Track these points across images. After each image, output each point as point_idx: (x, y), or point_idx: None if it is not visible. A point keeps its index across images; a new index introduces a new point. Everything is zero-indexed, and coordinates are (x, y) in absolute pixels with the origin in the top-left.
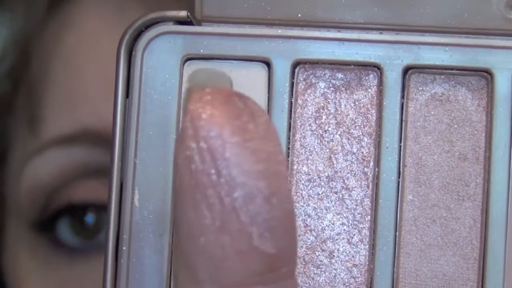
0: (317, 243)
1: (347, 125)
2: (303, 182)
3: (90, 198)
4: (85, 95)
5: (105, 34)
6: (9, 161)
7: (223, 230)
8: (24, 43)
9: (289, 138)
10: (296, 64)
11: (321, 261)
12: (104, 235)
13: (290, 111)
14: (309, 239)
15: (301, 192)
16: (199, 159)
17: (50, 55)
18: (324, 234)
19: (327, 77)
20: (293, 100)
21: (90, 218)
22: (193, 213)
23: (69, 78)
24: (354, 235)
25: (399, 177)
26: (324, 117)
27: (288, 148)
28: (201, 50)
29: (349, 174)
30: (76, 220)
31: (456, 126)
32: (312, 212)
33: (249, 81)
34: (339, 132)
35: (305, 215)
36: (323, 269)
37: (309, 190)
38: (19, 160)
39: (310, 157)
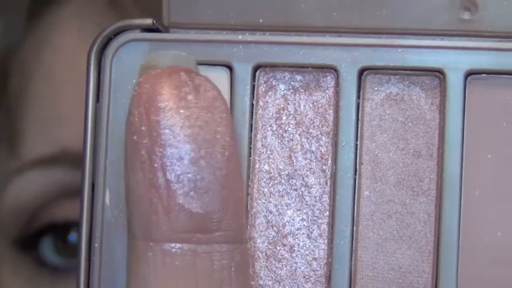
0: (278, 238)
1: (306, 125)
2: (264, 180)
3: (73, 217)
4: (65, 115)
5: (84, 52)
6: None
7: (151, 186)
8: (2, 59)
9: (250, 139)
10: (256, 68)
11: (282, 255)
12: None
13: (252, 112)
14: (270, 234)
15: (262, 189)
16: (138, 123)
17: (29, 72)
18: (285, 230)
19: (286, 79)
20: (254, 102)
21: (73, 237)
22: (131, 170)
23: (48, 97)
24: (313, 230)
25: (355, 174)
26: (284, 117)
27: (250, 148)
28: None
29: (308, 172)
30: (59, 239)
31: (410, 124)
32: (273, 208)
33: None
34: (298, 132)
35: (266, 212)
36: (284, 263)
37: (270, 188)
38: (0, 180)
39: (271, 156)
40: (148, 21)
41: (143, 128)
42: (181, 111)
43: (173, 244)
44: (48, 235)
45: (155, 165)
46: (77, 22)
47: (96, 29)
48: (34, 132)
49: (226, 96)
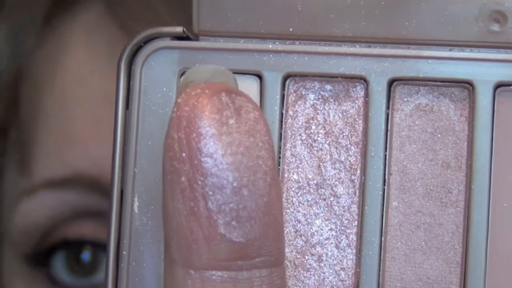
0: (307, 248)
1: (335, 135)
2: (293, 189)
3: (85, 236)
4: (77, 137)
5: (96, 74)
6: (2, 199)
7: (192, 215)
8: (13, 80)
9: (280, 148)
10: (286, 77)
11: (310, 264)
12: (104, 272)
13: (281, 121)
14: (299, 243)
15: (291, 199)
16: (177, 148)
17: (41, 94)
18: (313, 239)
19: (316, 88)
20: (284, 111)
21: (86, 255)
22: (170, 196)
23: (60, 119)
24: (341, 240)
25: (384, 185)
26: (313, 127)
27: (279, 157)
28: (197, 64)
29: (337, 182)
30: (71, 257)
31: (439, 135)
32: (302, 218)
33: None
34: (327, 142)
35: (295, 221)
36: (312, 273)
37: (299, 197)
38: (11, 199)
39: (300, 165)
40: (179, 29)
41: (184, 154)
42: (223, 137)
43: (213, 272)
44: (60, 253)
45: (196, 193)
46: (89, 41)
47: (107, 49)
48: (45, 153)
49: None
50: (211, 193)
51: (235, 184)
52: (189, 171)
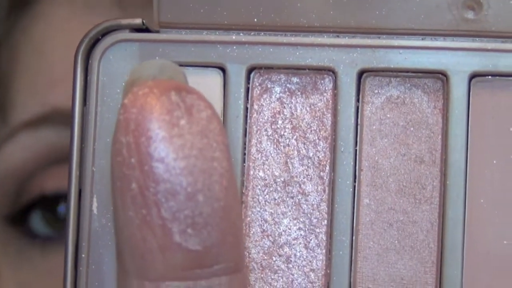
0: (274, 248)
1: (303, 130)
2: (259, 187)
3: (62, 188)
4: (53, 78)
5: (72, 21)
6: None
7: (145, 224)
8: None
9: (245, 144)
10: (251, 69)
11: (278, 266)
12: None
13: (246, 116)
14: (266, 244)
15: (257, 197)
16: (126, 153)
17: (18, 44)
18: (281, 239)
19: (282, 81)
20: (248, 106)
21: (62, 208)
22: (120, 204)
23: (37, 64)
24: (311, 239)
25: (355, 181)
26: (280, 121)
27: (244, 154)
28: (157, 57)
29: (305, 179)
30: (48, 211)
31: (412, 128)
32: (268, 217)
33: (205, 87)
34: (295, 137)
35: (261, 220)
36: (281, 274)
37: (265, 195)
38: None
39: (267, 162)
40: (138, 21)
41: (133, 160)
42: (174, 140)
43: (170, 283)
44: (37, 208)
45: (148, 201)
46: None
47: (84, 6)
48: (23, 97)
49: (219, 99)
50: (164, 200)
51: (189, 190)
52: (139, 177)
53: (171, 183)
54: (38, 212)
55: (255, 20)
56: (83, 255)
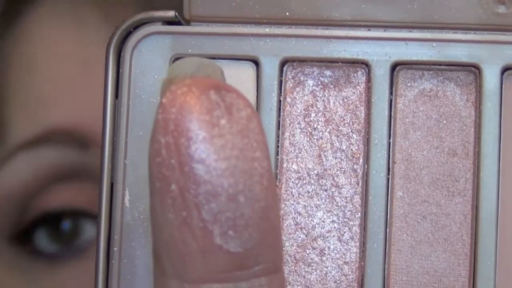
0: (308, 241)
1: (336, 123)
2: (292, 180)
3: (65, 204)
4: (48, 97)
5: (62, 37)
6: None
7: (185, 226)
8: None
9: (278, 137)
10: (284, 62)
11: (312, 259)
12: (86, 239)
13: (279, 109)
14: (299, 237)
15: (291, 190)
16: (165, 153)
17: (9, 62)
18: (315, 232)
19: (315, 74)
20: (281, 98)
21: (66, 224)
22: (159, 205)
23: (30, 82)
24: (344, 232)
25: (388, 174)
26: (313, 114)
27: (278, 147)
28: (190, 50)
29: (338, 172)
30: (52, 228)
31: (445, 121)
32: (302, 210)
33: (238, 80)
34: (328, 130)
35: (295, 213)
36: (314, 267)
37: (299, 188)
38: None
39: (300, 155)
40: (171, 14)
41: (173, 161)
42: (215, 140)
43: (210, 285)
44: (41, 226)
45: (189, 203)
46: (53, 11)
47: (73, 15)
48: (18, 117)
49: (252, 92)
50: (204, 202)
51: (230, 191)
52: (179, 179)
53: (212, 184)
54: (42, 230)
55: (287, 14)
56: (115, 249)
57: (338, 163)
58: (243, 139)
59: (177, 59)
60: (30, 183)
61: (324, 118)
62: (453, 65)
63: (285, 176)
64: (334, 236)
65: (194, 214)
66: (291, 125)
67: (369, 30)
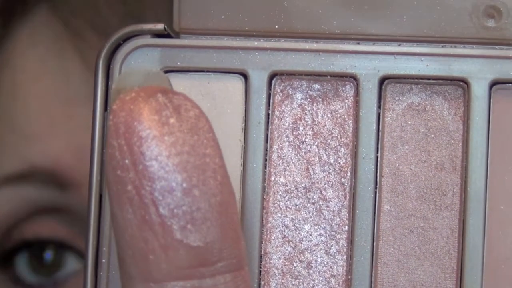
0: (295, 254)
1: (324, 136)
2: (280, 193)
3: (46, 235)
4: (31, 133)
5: (45, 73)
6: None
7: (145, 224)
8: None
9: (266, 150)
10: (272, 76)
11: (299, 272)
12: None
13: (267, 122)
14: (287, 250)
15: (278, 203)
16: (119, 155)
17: None
18: (302, 245)
19: (303, 88)
20: (270, 112)
21: (48, 255)
22: (118, 208)
23: (13, 114)
24: (331, 245)
25: (376, 188)
26: (301, 128)
27: (266, 160)
28: (179, 63)
29: (326, 185)
30: (34, 257)
31: (433, 135)
32: (289, 223)
33: (226, 93)
34: (316, 143)
35: (282, 226)
36: (301, 280)
37: (286, 201)
38: None
39: (288, 168)
40: (160, 26)
41: (127, 161)
42: (166, 138)
43: (175, 283)
44: (22, 253)
45: (145, 200)
46: (35, 44)
47: (54, 49)
48: (1, 152)
49: (241, 105)
50: (161, 197)
51: (184, 185)
52: (134, 178)
53: (166, 180)
54: (24, 257)
55: (276, 26)
56: (104, 260)
57: (326, 177)
58: (193, 136)
59: (166, 72)
60: (10, 216)
61: (312, 132)
62: (442, 79)
63: (272, 189)
64: (321, 249)
65: (152, 210)
66: (279, 138)
67: (358, 43)
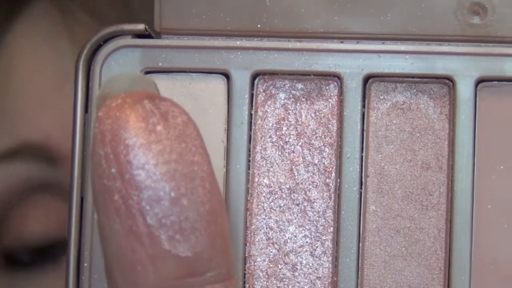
0: (280, 256)
1: (308, 136)
2: (264, 194)
3: (37, 231)
4: (21, 110)
5: (35, 49)
6: None
7: (132, 234)
8: None
9: (249, 150)
10: (255, 75)
11: (284, 274)
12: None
13: (250, 123)
14: (271, 252)
15: (262, 204)
16: (105, 164)
17: None
18: (287, 247)
19: (287, 87)
20: (253, 112)
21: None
22: (105, 218)
23: (4, 96)
24: (317, 247)
25: (361, 188)
26: (284, 128)
27: (249, 161)
28: (160, 63)
29: (311, 186)
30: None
31: (418, 134)
32: (274, 224)
33: (208, 93)
34: (300, 143)
35: (267, 228)
36: (286, 283)
37: (270, 203)
38: None
39: (271, 169)
40: (140, 27)
41: (113, 170)
42: (153, 146)
43: None
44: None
45: (133, 210)
46: (29, 27)
47: (48, 32)
48: None
49: (223, 105)
50: (148, 207)
51: (172, 195)
52: (121, 188)
53: (153, 189)
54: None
55: (258, 26)
56: (85, 264)
57: (310, 177)
58: (180, 143)
59: (147, 72)
60: (2, 194)
61: (296, 132)
62: (427, 78)
63: (256, 191)
64: (306, 251)
65: (139, 221)
66: (263, 138)
67: (341, 42)
